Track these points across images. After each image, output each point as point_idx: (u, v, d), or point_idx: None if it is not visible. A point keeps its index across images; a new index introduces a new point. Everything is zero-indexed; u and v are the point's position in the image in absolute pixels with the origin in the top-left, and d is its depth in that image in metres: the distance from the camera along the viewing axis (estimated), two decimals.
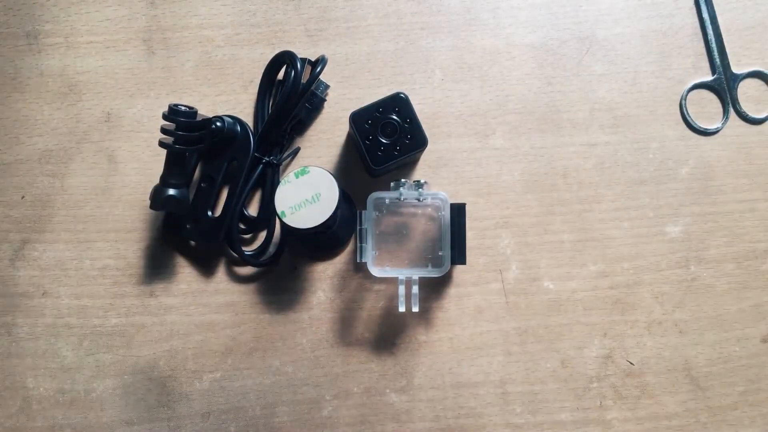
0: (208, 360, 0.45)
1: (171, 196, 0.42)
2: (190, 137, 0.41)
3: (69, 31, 0.48)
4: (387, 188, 0.43)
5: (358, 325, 0.46)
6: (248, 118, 0.47)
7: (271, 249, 0.46)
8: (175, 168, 0.42)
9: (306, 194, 0.38)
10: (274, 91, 0.47)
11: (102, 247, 0.46)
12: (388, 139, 0.42)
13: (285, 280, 0.46)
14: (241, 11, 0.48)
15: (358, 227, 0.43)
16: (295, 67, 0.44)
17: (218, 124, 0.43)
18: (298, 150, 0.47)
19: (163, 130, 0.41)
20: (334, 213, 0.38)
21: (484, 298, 0.46)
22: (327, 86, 0.46)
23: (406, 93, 0.42)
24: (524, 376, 0.45)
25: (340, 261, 0.46)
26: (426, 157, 0.47)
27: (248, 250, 0.46)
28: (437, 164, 0.47)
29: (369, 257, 0.42)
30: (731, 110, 0.47)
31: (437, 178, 0.47)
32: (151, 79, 0.47)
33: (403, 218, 0.45)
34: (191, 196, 0.44)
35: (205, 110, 0.46)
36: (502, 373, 0.45)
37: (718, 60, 0.47)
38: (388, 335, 0.46)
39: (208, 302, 0.46)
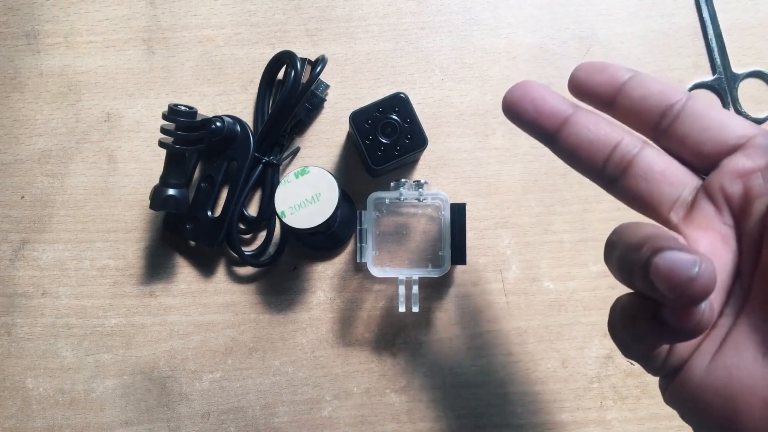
0: (208, 360, 0.45)
1: (171, 196, 0.42)
2: (189, 137, 0.41)
3: (69, 30, 0.48)
4: (387, 188, 0.43)
5: (358, 325, 0.46)
6: (248, 118, 0.47)
7: (271, 249, 0.46)
8: (174, 168, 0.42)
9: (306, 194, 0.38)
10: (274, 91, 0.47)
11: (102, 247, 0.46)
12: (388, 139, 0.42)
13: (285, 280, 0.46)
14: (241, 11, 0.48)
15: (358, 227, 0.43)
16: (295, 67, 0.44)
17: (218, 124, 0.43)
18: (298, 150, 0.47)
19: (163, 130, 0.41)
20: (334, 213, 0.38)
21: (484, 298, 0.46)
22: (327, 86, 0.46)
23: (406, 93, 0.42)
24: (524, 376, 0.45)
25: (340, 261, 0.46)
26: (426, 157, 0.47)
27: (248, 250, 0.45)
28: (437, 164, 0.47)
29: (369, 257, 0.42)
30: (731, 110, 0.47)
31: (437, 178, 0.47)
32: (151, 79, 0.47)
33: (403, 218, 0.45)
34: (191, 196, 0.44)
35: (205, 110, 0.46)
36: (502, 373, 0.45)
37: (718, 60, 0.47)
38: (388, 335, 0.46)
39: (208, 302, 0.46)
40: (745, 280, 0.23)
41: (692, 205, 0.24)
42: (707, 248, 0.23)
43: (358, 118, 0.42)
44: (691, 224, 0.24)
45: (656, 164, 0.25)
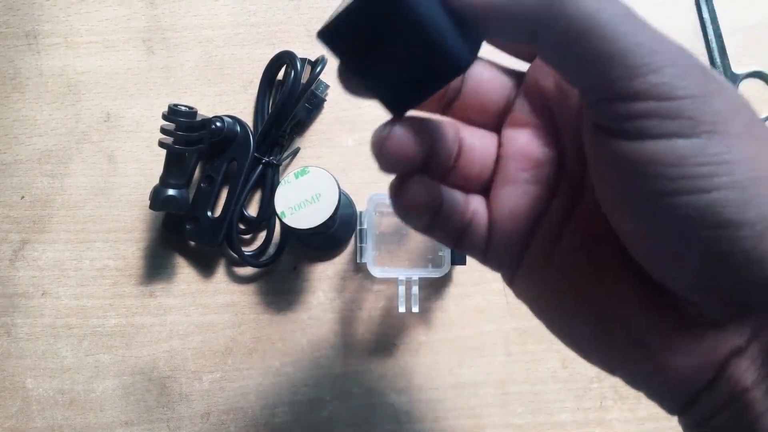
0: (208, 360, 0.45)
1: (171, 196, 0.42)
2: (189, 137, 0.41)
3: (68, 31, 0.48)
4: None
5: (358, 325, 0.46)
6: (248, 118, 0.47)
7: (271, 249, 0.46)
8: (174, 168, 0.42)
9: (306, 194, 0.38)
10: (274, 91, 0.47)
11: (102, 248, 0.46)
12: None
13: (285, 280, 0.46)
14: (241, 11, 0.48)
15: (358, 227, 0.43)
16: (294, 67, 0.44)
17: (218, 124, 0.43)
18: (298, 150, 0.47)
19: (163, 130, 0.41)
20: (334, 213, 0.38)
21: (485, 298, 0.46)
22: (327, 86, 0.46)
23: None
24: (525, 376, 0.45)
25: (340, 261, 0.46)
26: None
27: (248, 250, 0.45)
28: None
29: (369, 258, 0.42)
30: None
31: None
32: (150, 79, 0.47)
33: None
34: (191, 196, 0.44)
35: (205, 110, 0.46)
36: (502, 373, 0.45)
37: (718, 60, 0.47)
38: (388, 335, 0.46)
39: (208, 302, 0.46)
40: (574, 175, 0.23)
41: (513, 104, 0.24)
42: (522, 144, 0.23)
43: None
44: (510, 123, 0.24)
45: (483, 74, 0.24)
